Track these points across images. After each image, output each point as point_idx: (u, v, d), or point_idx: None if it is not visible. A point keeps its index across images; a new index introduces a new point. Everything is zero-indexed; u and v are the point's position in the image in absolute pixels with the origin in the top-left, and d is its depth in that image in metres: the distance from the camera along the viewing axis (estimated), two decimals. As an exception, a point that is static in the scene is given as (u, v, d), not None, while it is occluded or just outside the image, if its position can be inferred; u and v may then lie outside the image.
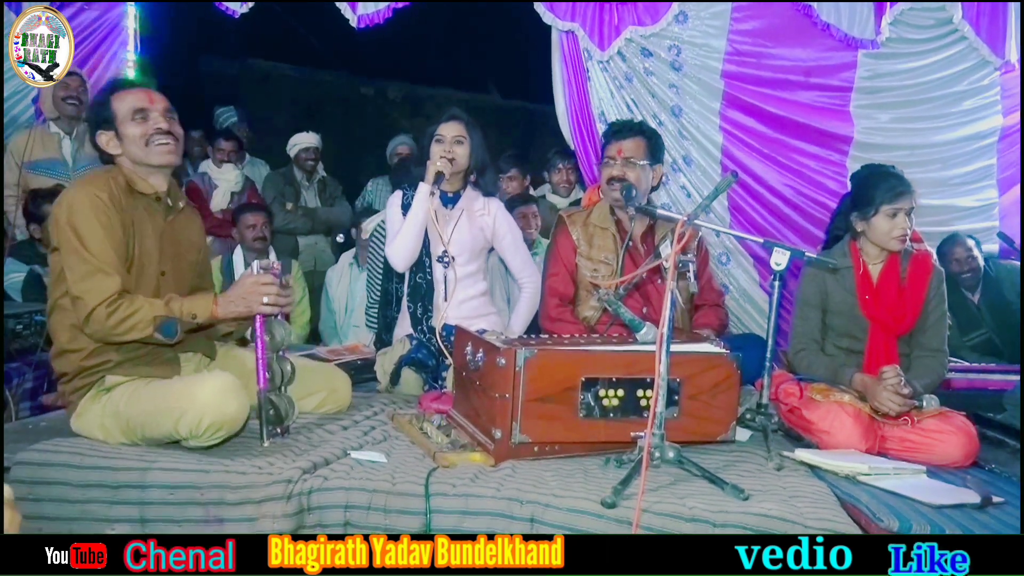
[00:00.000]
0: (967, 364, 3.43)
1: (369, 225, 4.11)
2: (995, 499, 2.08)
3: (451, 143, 3.03)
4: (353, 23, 4.11)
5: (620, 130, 3.03)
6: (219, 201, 4.84)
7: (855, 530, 1.87)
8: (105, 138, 2.27)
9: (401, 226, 3.05)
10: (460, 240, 3.07)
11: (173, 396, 2.08)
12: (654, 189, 3.11)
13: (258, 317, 2.24)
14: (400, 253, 3.05)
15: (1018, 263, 3.94)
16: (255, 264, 2.25)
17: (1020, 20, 4.03)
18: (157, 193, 2.30)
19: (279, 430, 2.26)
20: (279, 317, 2.30)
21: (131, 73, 4.89)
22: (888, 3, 4.07)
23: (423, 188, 3.00)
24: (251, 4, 4.15)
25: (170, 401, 2.07)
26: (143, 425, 2.09)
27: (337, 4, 4.08)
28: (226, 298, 2.19)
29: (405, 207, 3.09)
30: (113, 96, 2.28)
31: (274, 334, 2.28)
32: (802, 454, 2.37)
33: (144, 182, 2.28)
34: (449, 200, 3.11)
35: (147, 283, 2.25)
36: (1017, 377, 3.13)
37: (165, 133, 2.25)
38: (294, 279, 4.27)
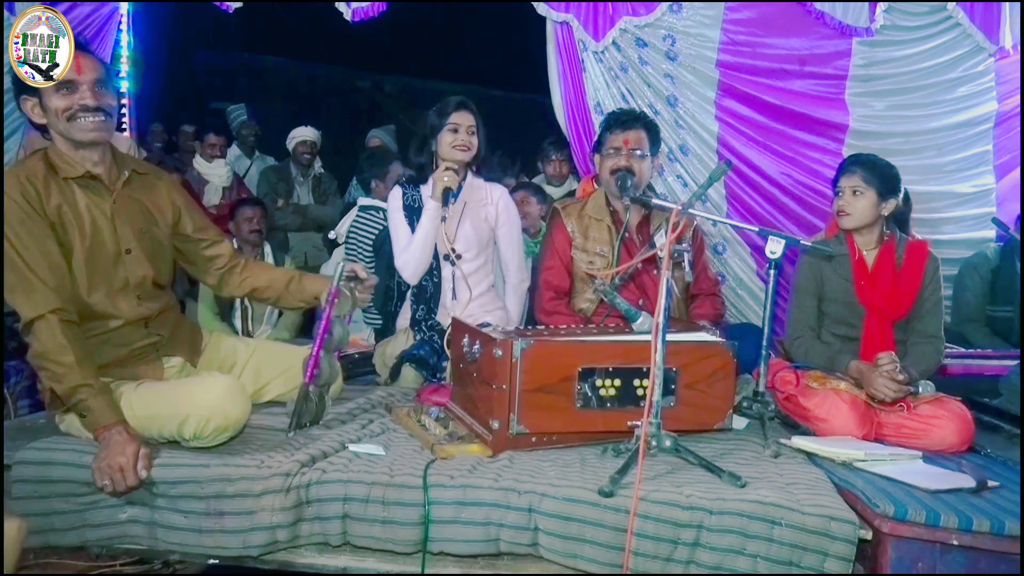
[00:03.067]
0: (963, 350, 3.44)
1: (342, 228, 4.07)
2: (991, 483, 2.09)
3: (466, 132, 2.93)
4: (347, 16, 4.10)
5: (626, 120, 2.99)
6: (210, 198, 4.84)
7: (852, 516, 1.88)
8: (30, 104, 2.09)
9: (408, 236, 2.96)
10: (465, 236, 2.99)
11: (175, 400, 2.04)
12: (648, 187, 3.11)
13: (326, 314, 2.23)
14: (412, 267, 2.97)
15: None
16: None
17: (1022, 12, 4.02)
18: (89, 172, 2.12)
19: (308, 424, 2.28)
20: (346, 319, 2.31)
21: (124, 67, 4.88)
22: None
23: (431, 206, 2.88)
24: (245, -2, 4.14)
25: (172, 406, 2.03)
26: (140, 428, 2.05)
27: (331, -3, 4.07)
28: (105, 440, 1.94)
29: (407, 207, 3.01)
30: None
31: (334, 334, 2.29)
32: (799, 441, 2.38)
33: (70, 165, 2.10)
34: (452, 195, 2.92)
35: (107, 268, 2.13)
36: (1013, 362, 3.14)
37: (92, 110, 2.06)
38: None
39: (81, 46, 2.09)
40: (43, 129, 2.13)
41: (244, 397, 2.11)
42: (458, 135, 2.92)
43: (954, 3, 4.07)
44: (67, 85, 2.05)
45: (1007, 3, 4.09)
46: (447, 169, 2.87)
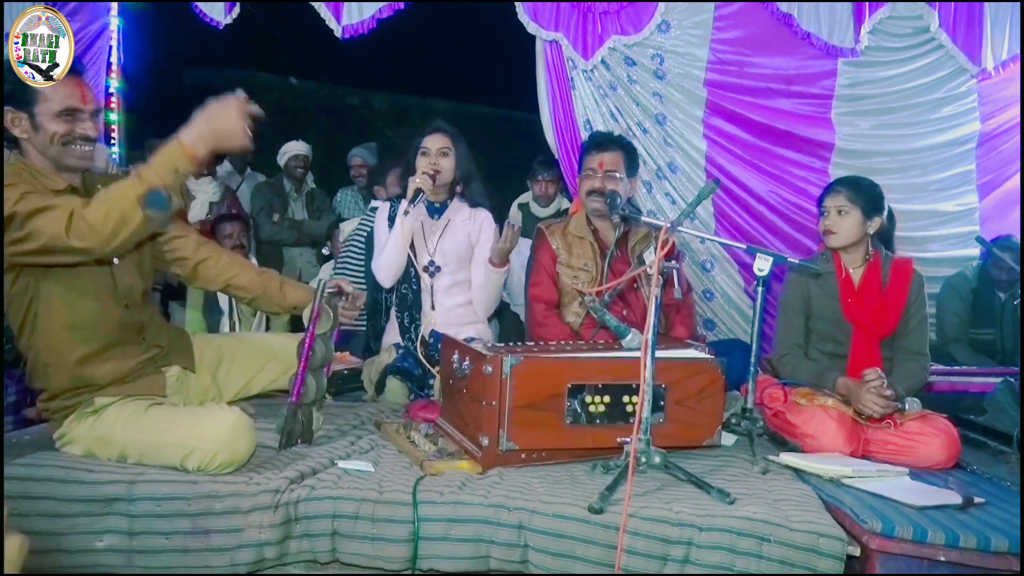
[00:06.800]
0: (948, 367, 3.47)
1: (347, 228, 4.12)
2: (976, 500, 2.11)
3: (436, 155, 3.04)
4: (338, 33, 4.11)
5: (601, 142, 3.06)
6: (196, 212, 4.82)
7: (840, 532, 1.89)
8: (12, 117, 2.04)
9: (385, 242, 3.06)
10: (446, 250, 3.09)
11: (182, 431, 2.02)
12: (628, 201, 3.13)
13: (309, 332, 2.25)
14: (384, 271, 3.08)
15: None
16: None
17: (1022, 14, 4.09)
18: (71, 186, 2.11)
19: (299, 442, 2.29)
20: (333, 336, 2.35)
21: (114, 83, 4.88)
22: (867, 9, 4.13)
23: (403, 205, 3.01)
24: (234, 15, 4.15)
25: (178, 436, 2.01)
26: (142, 454, 2.05)
27: (321, 14, 4.09)
28: (191, 130, 2.04)
29: (392, 219, 3.10)
30: None
31: (317, 352, 2.30)
32: (787, 458, 2.39)
33: (52, 177, 2.08)
34: (436, 211, 3.13)
35: (98, 279, 2.12)
36: (998, 380, 3.17)
37: (91, 140, 2.09)
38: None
39: (82, 74, 2.11)
40: (13, 142, 2.09)
41: (251, 432, 2.08)
42: (428, 157, 3.04)
43: (936, 24, 4.15)
44: (70, 112, 2.05)
45: (988, 25, 4.17)
46: (423, 173, 3.00)
